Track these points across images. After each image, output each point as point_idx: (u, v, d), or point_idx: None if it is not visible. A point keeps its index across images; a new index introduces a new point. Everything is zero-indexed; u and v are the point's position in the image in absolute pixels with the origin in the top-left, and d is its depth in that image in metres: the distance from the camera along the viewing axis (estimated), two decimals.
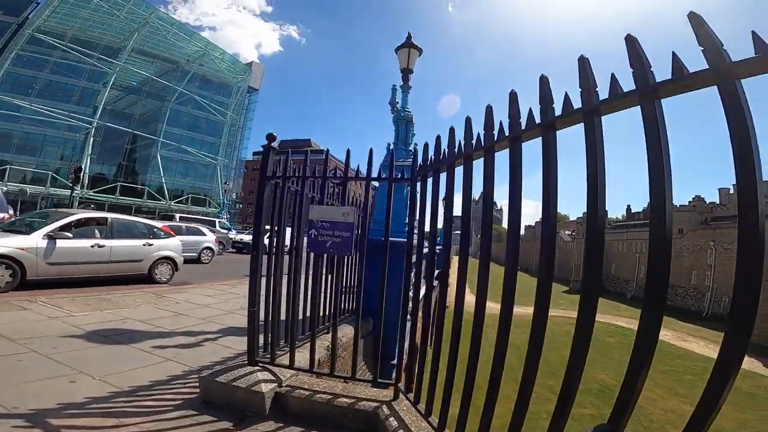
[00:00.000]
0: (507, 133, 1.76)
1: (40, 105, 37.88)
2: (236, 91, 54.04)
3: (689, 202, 44.82)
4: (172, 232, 9.53)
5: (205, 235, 15.35)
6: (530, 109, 1.62)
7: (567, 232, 68.11)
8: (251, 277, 2.94)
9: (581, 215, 62.80)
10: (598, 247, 1.34)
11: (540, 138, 1.59)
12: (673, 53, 1.10)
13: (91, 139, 40.97)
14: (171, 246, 9.00)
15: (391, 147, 7.60)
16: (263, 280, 3.02)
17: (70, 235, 7.04)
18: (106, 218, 7.99)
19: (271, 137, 3.05)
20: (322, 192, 3.06)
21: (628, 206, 64.47)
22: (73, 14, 39.23)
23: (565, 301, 27.08)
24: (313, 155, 3.34)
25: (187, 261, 13.27)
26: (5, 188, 11.23)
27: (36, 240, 6.62)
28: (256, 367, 2.87)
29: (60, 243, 6.86)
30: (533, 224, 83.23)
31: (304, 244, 3.09)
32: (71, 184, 26.93)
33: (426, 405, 2.24)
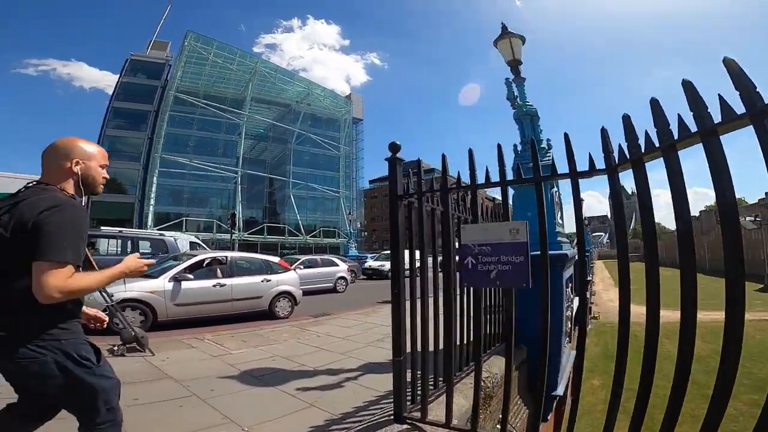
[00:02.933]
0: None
1: (197, 160, 44.48)
2: (344, 124, 57.59)
3: None
4: (289, 266, 9.50)
5: (338, 265, 16.16)
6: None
7: (749, 218, 51.70)
8: (394, 321, 2.39)
9: (764, 196, 47.57)
10: None
11: None
12: None
13: (239, 187, 46.89)
14: (289, 280, 8.81)
15: (519, 148, 6.64)
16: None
17: (191, 276, 7.23)
18: (226, 257, 8.24)
19: (395, 147, 2.51)
20: (473, 207, 2.36)
21: None
22: (198, 72, 45.29)
23: (761, 301, 20.40)
24: (427, 175, 2.79)
25: (324, 291, 14.51)
26: (176, 236, 13.38)
27: (163, 283, 6.85)
28: (404, 426, 2.33)
29: (185, 284, 7.04)
30: (697, 214, 65.44)
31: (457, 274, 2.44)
32: (230, 229, 32.43)
33: None
